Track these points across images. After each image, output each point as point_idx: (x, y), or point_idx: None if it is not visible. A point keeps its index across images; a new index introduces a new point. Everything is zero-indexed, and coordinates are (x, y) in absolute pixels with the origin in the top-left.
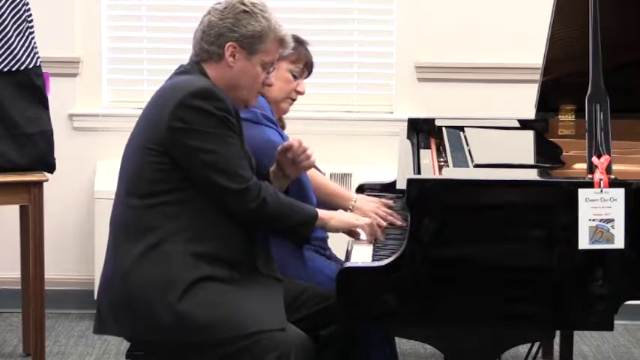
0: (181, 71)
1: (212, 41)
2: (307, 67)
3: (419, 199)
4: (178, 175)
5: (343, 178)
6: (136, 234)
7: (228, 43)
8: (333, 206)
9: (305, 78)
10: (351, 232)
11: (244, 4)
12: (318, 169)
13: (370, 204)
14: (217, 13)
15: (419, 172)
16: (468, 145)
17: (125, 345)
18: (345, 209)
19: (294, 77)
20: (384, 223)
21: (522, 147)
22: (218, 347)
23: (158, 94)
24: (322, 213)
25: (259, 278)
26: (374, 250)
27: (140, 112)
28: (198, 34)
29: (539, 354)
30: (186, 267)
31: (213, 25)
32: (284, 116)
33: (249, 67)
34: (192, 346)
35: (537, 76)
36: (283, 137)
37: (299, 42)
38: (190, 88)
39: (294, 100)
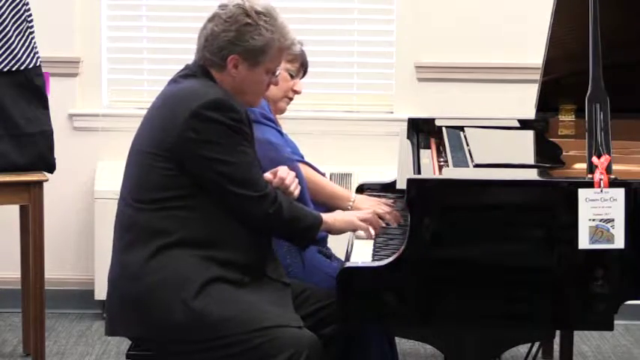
0: (187, 74)
1: (214, 52)
2: (303, 67)
3: (419, 199)
4: (186, 181)
5: (343, 178)
6: (144, 237)
7: (231, 56)
8: (331, 208)
9: (301, 78)
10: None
11: (248, 16)
12: (318, 170)
13: (368, 202)
14: (221, 23)
15: (419, 172)
16: (468, 145)
17: (125, 345)
18: (344, 210)
19: (291, 76)
20: (382, 223)
21: (522, 147)
22: (229, 346)
23: (165, 98)
24: (326, 217)
25: (268, 282)
26: (374, 250)
27: (140, 111)
28: (201, 40)
29: (539, 354)
30: (198, 268)
31: (216, 36)
32: (281, 116)
33: (252, 76)
34: (206, 343)
35: (537, 76)
36: (282, 135)
37: None
38: (204, 99)
39: (291, 99)
